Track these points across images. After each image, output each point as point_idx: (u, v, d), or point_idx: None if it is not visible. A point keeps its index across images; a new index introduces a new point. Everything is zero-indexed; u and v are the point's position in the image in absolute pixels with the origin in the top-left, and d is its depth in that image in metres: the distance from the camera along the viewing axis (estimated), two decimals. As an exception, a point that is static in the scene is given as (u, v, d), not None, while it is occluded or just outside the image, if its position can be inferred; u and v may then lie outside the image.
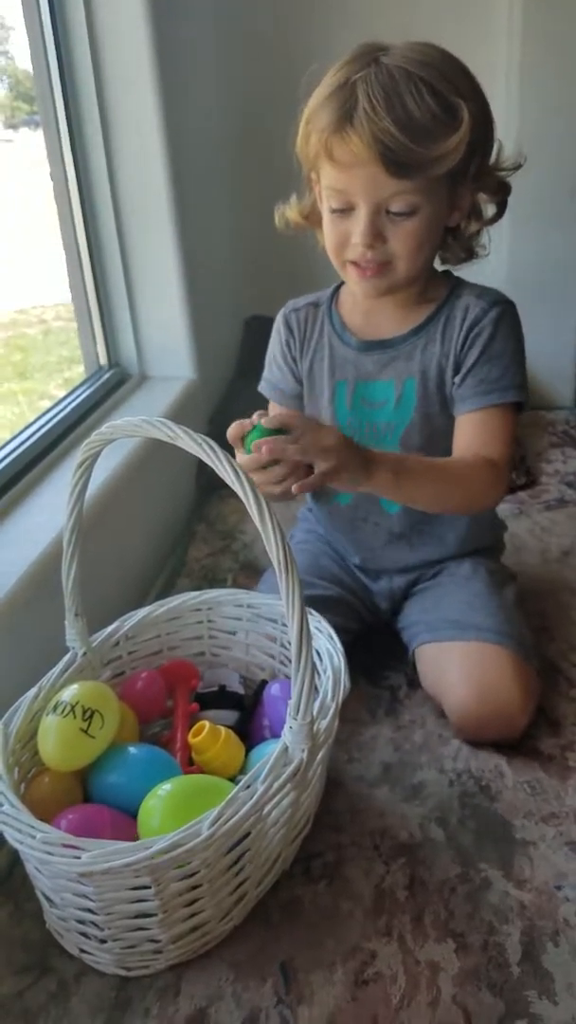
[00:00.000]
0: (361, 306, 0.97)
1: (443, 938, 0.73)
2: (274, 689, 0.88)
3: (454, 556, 1.04)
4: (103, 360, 1.41)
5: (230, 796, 0.64)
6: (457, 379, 0.93)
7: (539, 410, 1.87)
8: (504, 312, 0.92)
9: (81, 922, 0.69)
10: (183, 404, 1.35)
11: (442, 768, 0.91)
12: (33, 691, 0.79)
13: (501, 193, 0.91)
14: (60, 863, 0.62)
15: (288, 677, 0.90)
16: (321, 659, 0.81)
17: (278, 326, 1.03)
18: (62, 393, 1.33)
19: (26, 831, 0.63)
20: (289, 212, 0.94)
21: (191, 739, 0.81)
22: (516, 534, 1.38)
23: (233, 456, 0.62)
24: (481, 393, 0.92)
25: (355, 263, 0.87)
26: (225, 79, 1.58)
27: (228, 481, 0.58)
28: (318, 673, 0.80)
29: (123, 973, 0.71)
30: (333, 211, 0.86)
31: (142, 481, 1.22)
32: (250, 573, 1.29)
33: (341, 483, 0.83)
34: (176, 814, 0.67)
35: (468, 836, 0.83)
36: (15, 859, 0.80)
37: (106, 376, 1.38)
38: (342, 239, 0.86)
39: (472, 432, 0.93)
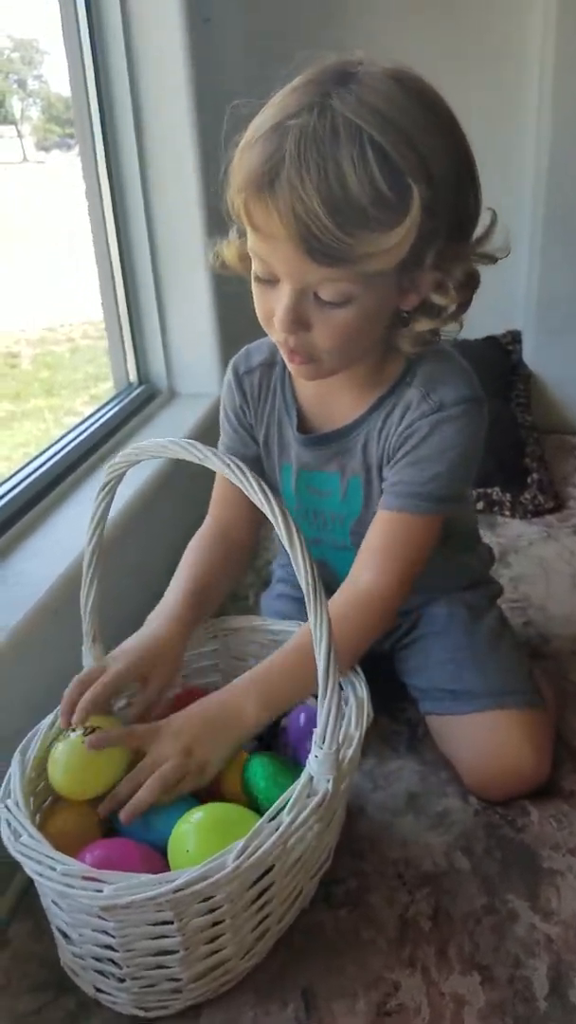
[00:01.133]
0: (313, 384, 0.84)
1: (468, 970, 0.72)
2: (301, 718, 0.85)
3: (427, 599, 0.97)
4: (133, 376, 1.42)
5: (255, 828, 0.63)
6: (385, 471, 0.83)
7: (565, 435, 1.86)
8: (450, 417, 0.78)
9: (99, 959, 0.67)
10: (212, 421, 1.34)
11: (467, 798, 0.89)
12: (50, 718, 0.77)
13: (466, 289, 0.73)
14: (81, 896, 0.60)
15: (306, 706, 0.89)
16: (342, 688, 0.80)
17: (230, 385, 0.91)
18: (88, 410, 1.34)
19: (46, 863, 0.62)
20: (227, 251, 0.77)
21: None
22: (545, 558, 1.36)
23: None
24: (399, 495, 0.81)
25: (281, 345, 0.75)
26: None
27: (257, 502, 0.58)
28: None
29: (140, 1014, 0.69)
30: (258, 279, 0.73)
31: (165, 499, 1.22)
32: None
33: (215, 758, 0.73)
34: (210, 840, 0.66)
35: (494, 866, 0.81)
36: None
37: (135, 392, 1.39)
38: (267, 315, 0.73)
39: (378, 540, 0.83)
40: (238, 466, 0.58)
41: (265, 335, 0.79)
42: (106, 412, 1.31)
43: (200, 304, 1.38)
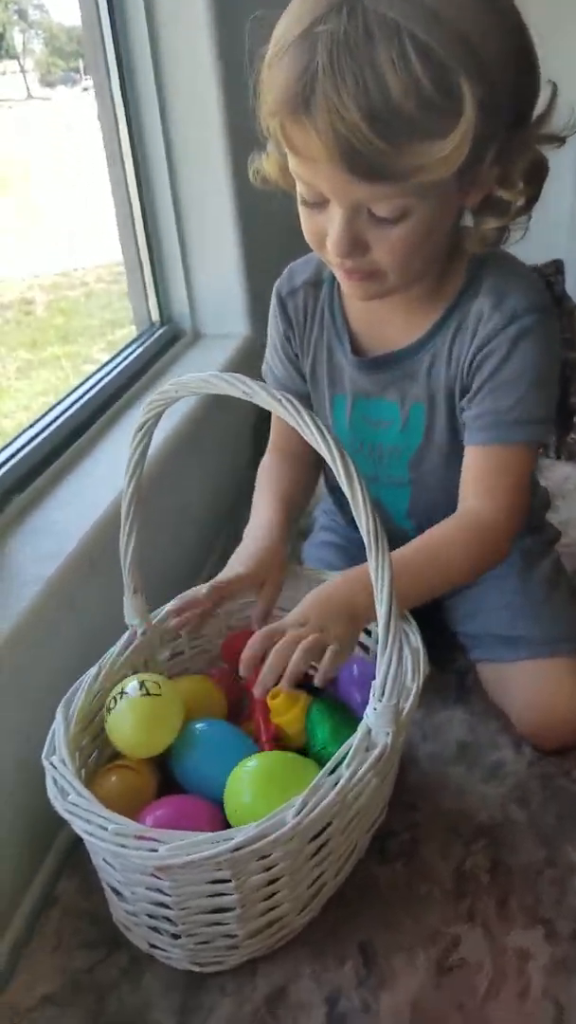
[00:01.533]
0: (365, 303, 0.78)
1: (531, 924, 0.69)
2: (351, 673, 0.82)
3: None
4: (155, 316, 1.36)
5: (314, 783, 0.60)
6: (464, 402, 0.78)
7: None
8: (526, 329, 0.73)
9: (153, 916, 0.66)
10: (240, 361, 1.29)
11: (519, 748, 0.86)
12: (93, 670, 0.75)
13: (535, 180, 0.67)
14: (135, 856, 0.58)
15: (357, 658, 0.85)
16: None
17: (274, 310, 0.87)
18: (105, 357, 1.28)
19: (96, 822, 0.60)
20: (266, 164, 0.72)
21: (269, 701, 0.77)
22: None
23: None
24: (485, 427, 0.77)
25: (338, 267, 0.71)
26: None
27: (312, 441, 0.54)
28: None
29: (196, 969, 0.68)
30: (304, 202, 0.68)
31: (197, 445, 1.18)
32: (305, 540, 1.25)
33: (344, 650, 0.71)
34: (268, 790, 0.64)
35: (551, 819, 0.79)
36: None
37: (158, 333, 1.33)
38: (319, 237, 0.68)
39: (474, 472, 0.79)
40: (290, 401, 0.53)
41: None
42: (129, 355, 1.25)
43: (225, 239, 1.30)
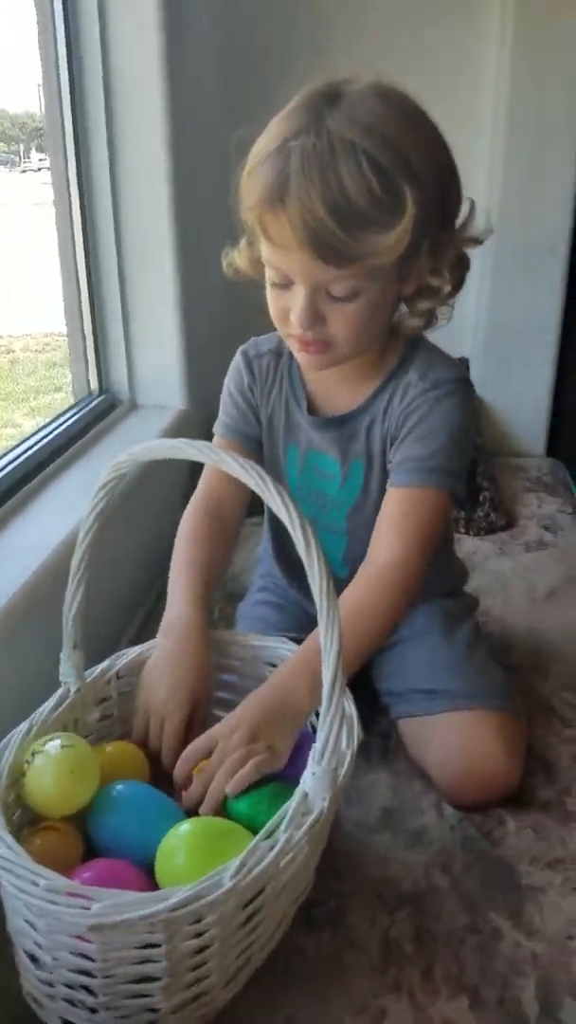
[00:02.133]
0: (319, 374, 0.91)
1: (456, 993, 0.70)
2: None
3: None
4: (94, 385, 1.38)
5: (251, 846, 0.61)
6: (390, 452, 0.89)
7: (511, 457, 1.91)
8: (446, 393, 0.85)
9: (71, 987, 0.63)
10: (176, 432, 1.33)
11: (442, 813, 0.88)
12: (24, 726, 0.74)
13: (459, 270, 0.83)
14: (66, 914, 0.57)
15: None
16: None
17: (239, 366, 0.97)
18: (27, 421, 1.29)
19: (27, 877, 0.58)
20: (238, 259, 0.85)
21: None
22: (502, 571, 1.39)
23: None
24: (405, 470, 0.86)
25: (298, 338, 0.82)
26: (232, 117, 1.59)
27: (274, 507, 0.57)
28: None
29: (111, 1052, 0.65)
30: (273, 284, 0.80)
31: (131, 507, 1.19)
32: (236, 604, 1.26)
33: (282, 743, 0.75)
34: (201, 855, 0.63)
35: (474, 884, 0.80)
36: None
37: (96, 401, 1.36)
38: (282, 314, 0.81)
39: (388, 514, 0.87)
40: (255, 469, 0.57)
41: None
42: (66, 420, 1.27)
43: (166, 314, 1.36)
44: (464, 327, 1.84)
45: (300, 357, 0.86)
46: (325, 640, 0.58)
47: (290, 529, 0.56)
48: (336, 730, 0.61)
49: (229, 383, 0.98)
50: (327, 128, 0.71)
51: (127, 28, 1.24)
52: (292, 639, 0.88)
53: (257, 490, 0.57)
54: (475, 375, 1.91)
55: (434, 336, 0.91)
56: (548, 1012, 0.68)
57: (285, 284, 0.78)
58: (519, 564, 1.43)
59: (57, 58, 1.22)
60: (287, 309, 0.79)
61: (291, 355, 0.93)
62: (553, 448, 1.99)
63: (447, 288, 0.82)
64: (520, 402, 1.89)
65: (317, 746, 0.62)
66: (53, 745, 0.71)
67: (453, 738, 0.88)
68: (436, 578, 1.00)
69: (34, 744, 0.72)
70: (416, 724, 0.92)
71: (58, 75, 1.22)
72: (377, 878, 0.81)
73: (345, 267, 0.74)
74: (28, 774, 0.70)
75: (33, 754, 0.71)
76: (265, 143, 0.74)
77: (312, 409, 0.93)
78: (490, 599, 1.29)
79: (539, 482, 1.81)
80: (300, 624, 0.96)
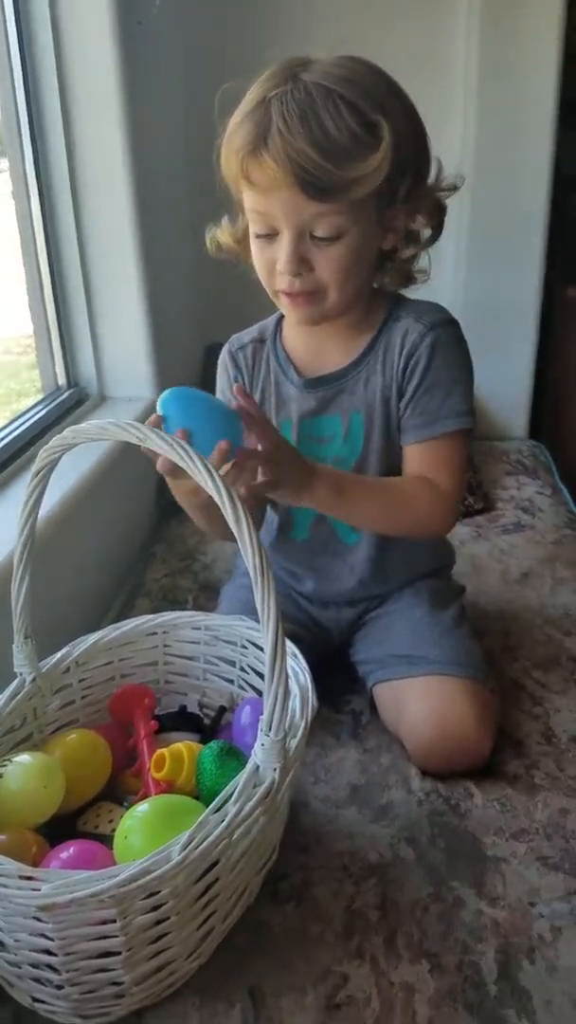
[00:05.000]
0: (304, 338, 0.94)
1: (417, 959, 0.71)
2: (245, 711, 0.84)
3: (398, 583, 1.02)
4: (62, 380, 1.39)
5: (200, 819, 0.62)
6: (402, 404, 0.91)
7: (493, 440, 1.91)
8: (441, 336, 0.89)
9: (36, 966, 0.64)
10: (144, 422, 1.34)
11: (410, 788, 0.89)
12: None
13: (437, 215, 0.87)
14: (18, 896, 0.57)
15: (249, 699, 0.88)
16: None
17: (225, 363, 1.00)
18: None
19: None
20: (221, 235, 0.89)
21: (155, 774, 0.78)
22: (477, 555, 1.39)
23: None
24: (422, 425, 0.90)
25: (286, 292, 0.84)
26: (193, 110, 1.60)
27: (202, 482, 0.57)
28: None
29: (81, 1023, 0.66)
30: (258, 236, 0.83)
31: (100, 500, 1.20)
32: (210, 594, 1.27)
33: (280, 496, 0.82)
34: (156, 833, 0.64)
35: (439, 855, 0.81)
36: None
37: (64, 395, 1.36)
38: (269, 266, 0.83)
39: (418, 464, 0.91)
40: (180, 445, 0.57)
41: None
42: (34, 415, 1.27)
43: (131, 306, 1.36)
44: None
45: (290, 313, 0.88)
46: (262, 613, 0.58)
47: (219, 503, 0.56)
48: (281, 701, 0.62)
49: (218, 380, 1.01)
50: (303, 80, 0.76)
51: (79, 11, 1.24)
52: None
53: (185, 467, 0.57)
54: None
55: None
56: (506, 975, 0.69)
57: (270, 234, 0.81)
58: (494, 547, 1.43)
59: (9, 49, 1.22)
60: (273, 260, 0.82)
61: (274, 335, 0.96)
62: (536, 429, 1.99)
63: (427, 232, 0.87)
64: (501, 384, 1.88)
65: (264, 717, 0.63)
66: (20, 758, 0.73)
67: (428, 701, 0.90)
68: (428, 552, 1.04)
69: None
70: (393, 688, 0.94)
71: (11, 68, 1.22)
72: (343, 851, 0.82)
73: (328, 200, 0.77)
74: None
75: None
76: (245, 102, 0.78)
77: (301, 374, 0.95)
78: (464, 582, 1.29)
79: (519, 464, 1.81)
80: (287, 612, 1.00)
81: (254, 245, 0.84)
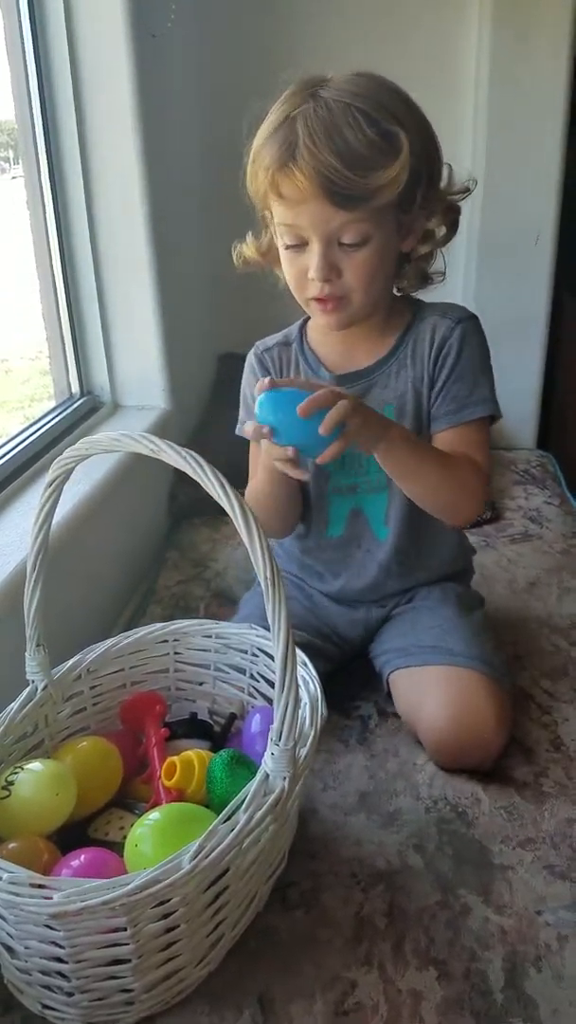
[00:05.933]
0: (332, 341, 0.98)
1: (424, 966, 0.72)
2: (254, 722, 0.85)
3: (428, 582, 1.06)
4: (75, 388, 1.40)
5: (210, 828, 0.62)
6: (433, 393, 0.95)
7: (502, 450, 1.92)
8: (468, 328, 0.95)
9: (46, 973, 0.65)
10: (157, 432, 1.32)
11: (418, 795, 0.90)
12: None
13: (451, 214, 0.93)
14: (30, 905, 0.58)
15: (260, 707, 0.89)
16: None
17: (252, 366, 1.03)
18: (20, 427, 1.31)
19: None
20: (247, 250, 0.95)
21: (165, 782, 0.79)
22: (484, 565, 1.39)
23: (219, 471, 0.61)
24: (453, 411, 0.95)
25: (316, 299, 0.88)
26: (207, 123, 1.62)
27: (215, 495, 0.58)
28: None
29: (90, 1030, 0.67)
30: (288, 247, 0.87)
31: (112, 507, 1.21)
32: (222, 601, 1.28)
33: (364, 440, 0.83)
34: (167, 841, 0.65)
35: (446, 862, 0.82)
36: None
37: (78, 403, 1.38)
38: (300, 275, 0.88)
39: (450, 448, 0.94)
40: (194, 458, 0.58)
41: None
42: (47, 423, 1.29)
43: (145, 315, 1.38)
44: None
45: (320, 318, 0.92)
46: (273, 622, 0.59)
47: (232, 517, 0.58)
48: (291, 710, 0.63)
49: (244, 383, 1.03)
50: (323, 98, 0.81)
51: (95, 24, 1.25)
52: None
53: (196, 478, 0.58)
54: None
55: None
56: (513, 983, 0.70)
57: (300, 244, 0.86)
58: (502, 556, 1.44)
59: (25, 62, 1.24)
60: (305, 268, 0.86)
61: (300, 339, 1.01)
62: (544, 440, 1.99)
63: (442, 230, 0.93)
64: (510, 394, 1.86)
65: (274, 726, 0.64)
66: (31, 766, 0.73)
67: (448, 691, 0.92)
68: (454, 548, 1.08)
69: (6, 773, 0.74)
70: (413, 675, 0.96)
71: (27, 81, 1.24)
72: (351, 858, 0.83)
73: (354, 208, 0.82)
74: (10, 799, 0.72)
75: (7, 785, 0.72)
76: (269, 123, 0.84)
77: (331, 372, 0.98)
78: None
79: (527, 474, 1.81)
80: (306, 621, 1.03)
81: (284, 256, 0.89)
